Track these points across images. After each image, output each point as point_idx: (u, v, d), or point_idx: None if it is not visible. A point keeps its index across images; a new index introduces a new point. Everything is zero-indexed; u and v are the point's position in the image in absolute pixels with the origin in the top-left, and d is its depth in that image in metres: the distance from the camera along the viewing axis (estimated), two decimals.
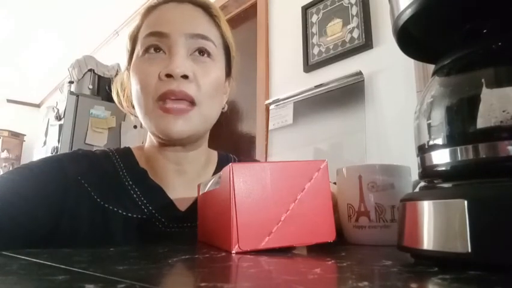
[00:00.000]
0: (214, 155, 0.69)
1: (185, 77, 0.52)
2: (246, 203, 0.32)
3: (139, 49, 0.56)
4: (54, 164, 0.54)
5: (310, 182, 0.35)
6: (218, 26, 0.60)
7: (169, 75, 0.52)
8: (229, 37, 0.62)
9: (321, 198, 0.35)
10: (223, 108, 0.64)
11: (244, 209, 0.32)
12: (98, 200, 0.54)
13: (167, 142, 0.57)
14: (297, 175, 0.35)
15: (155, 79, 0.53)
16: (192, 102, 0.53)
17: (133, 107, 0.60)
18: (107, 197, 0.53)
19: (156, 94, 0.52)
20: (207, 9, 0.59)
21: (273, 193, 0.34)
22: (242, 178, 0.33)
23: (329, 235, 0.35)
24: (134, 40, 0.59)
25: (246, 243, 0.32)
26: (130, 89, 0.60)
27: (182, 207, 0.58)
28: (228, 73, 0.63)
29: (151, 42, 0.54)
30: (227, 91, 0.65)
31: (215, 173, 0.65)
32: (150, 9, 0.58)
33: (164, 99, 0.52)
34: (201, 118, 0.55)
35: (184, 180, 0.60)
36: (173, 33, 0.54)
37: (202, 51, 0.56)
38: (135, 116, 0.60)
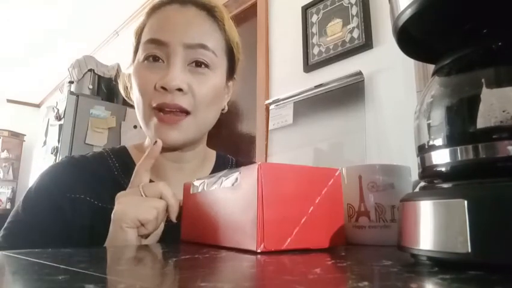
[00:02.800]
0: (212, 154, 0.71)
1: (179, 89, 0.54)
2: (273, 202, 0.33)
3: (140, 54, 0.57)
4: (44, 192, 0.57)
5: (326, 188, 0.36)
6: (222, 29, 0.59)
7: (164, 88, 0.53)
8: (234, 39, 0.62)
9: (335, 203, 0.36)
10: (222, 110, 0.65)
11: (271, 208, 0.32)
12: (96, 202, 0.55)
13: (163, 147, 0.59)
14: (316, 180, 0.36)
15: (151, 88, 0.55)
16: (187, 112, 0.55)
17: None
18: (104, 198, 0.54)
19: (152, 103, 0.55)
20: (211, 12, 0.58)
21: (296, 195, 0.34)
22: (270, 178, 0.33)
23: (340, 240, 0.36)
24: (138, 37, 0.60)
25: (271, 243, 0.32)
26: None
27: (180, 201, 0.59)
28: (231, 76, 0.64)
29: (150, 50, 0.56)
30: (229, 92, 0.66)
31: (213, 170, 0.67)
32: (154, 9, 0.59)
33: (159, 110, 0.54)
34: (195, 126, 0.57)
35: (182, 176, 0.62)
36: (172, 42, 0.54)
37: (199, 63, 0.56)
38: None
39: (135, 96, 0.58)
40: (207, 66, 0.56)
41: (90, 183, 0.57)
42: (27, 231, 0.54)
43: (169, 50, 0.55)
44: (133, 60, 0.61)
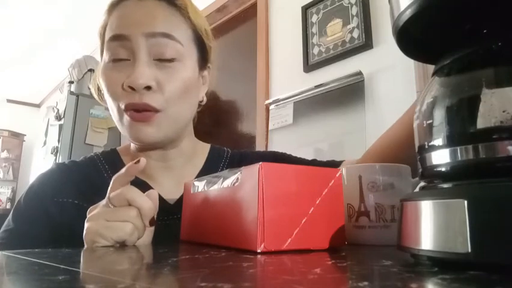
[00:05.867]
0: (204, 147, 0.69)
1: (148, 87, 0.52)
2: (273, 202, 0.33)
3: (105, 54, 0.55)
4: (33, 199, 0.57)
5: (327, 188, 0.36)
6: (186, 17, 0.57)
7: (131, 87, 0.51)
8: (201, 26, 0.59)
9: (336, 204, 0.36)
10: (201, 101, 0.63)
11: (272, 208, 0.32)
12: (85, 204, 0.54)
13: (142, 146, 0.58)
14: (317, 180, 0.36)
15: (120, 88, 0.53)
16: (156, 110, 0.53)
17: None
18: (93, 200, 0.53)
19: (122, 104, 0.53)
20: (172, 2, 0.56)
21: (296, 196, 0.34)
22: (271, 178, 0.33)
23: (340, 240, 0.36)
24: (102, 37, 0.58)
25: (271, 243, 0.32)
26: None
27: (171, 200, 0.59)
28: (204, 65, 0.61)
29: (114, 50, 0.54)
30: (206, 82, 0.64)
31: (205, 165, 0.65)
32: (113, 6, 0.57)
33: (130, 110, 0.52)
34: (168, 122, 0.55)
35: (171, 174, 0.62)
36: (134, 35, 0.52)
37: (166, 59, 0.54)
38: None
39: (106, 98, 0.57)
40: (173, 58, 0.54)
41: (79, 187, 0.58)
42: (18, 238, 0.54)
43: (132, 44, 0.52)
44: (101, 61, 0.59)
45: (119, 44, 0.53)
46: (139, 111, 0.52)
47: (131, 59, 0.53)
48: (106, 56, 0.55)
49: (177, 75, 0.54)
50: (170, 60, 0.54)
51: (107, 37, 0.55)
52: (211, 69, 0.64)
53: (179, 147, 0.61)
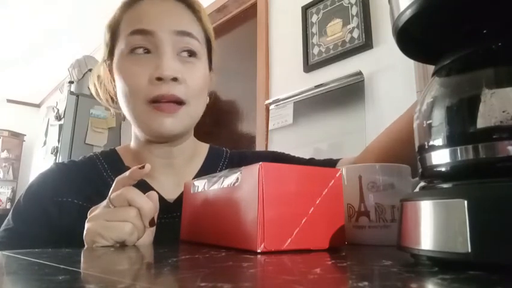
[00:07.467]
0: (203, 147, 0.70)
1: (174, 79, 0.53)
2: (273, 202, 0.33)
3: (123, 48, 0.56)
4: (32, 199, 0.57)
5: (327, 188, 0.36)
6: (200, 20, 0.60)
7: (159, 79, 0.53)
8: (210, 29, 0.63)
9: (336, 204, 0.36)
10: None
11: (272, 208, 0.32)
12: (85, 204, 0.55)
13: (156, 140, 0.59)
14: (317, 180, 0.36)
15: (144, 81, 0.53)
16: (181, 102, 0.55)
17: (112, 100, 0.62)
18: (93, 199, 0.52)
19: (147, 97, 0.54)
20: (189, 4, 0.59)
21: (296, 196, 0.34)
22: (271, 178, 0.33)
23: (340, 240, 0.36)
24: (113, 34, 0.59)
25: (271, 243, 0.32)
26: (108, 82, 0.62)
27: (170, 199, 0.59)
28: (210, 65, 0.64)
29: (137, 42, 0.54)
30: (210, 82, 0.66)
31: (204, 165, 0.66)
32: (130, 3, 0.58)
33: (156, 102, 0.54)
34: (189, 116, 0.57)
35: (172, 173, 0.62)
36: (159, 30, 0.54)
37: (189, 52, 0.56)
38: (114, 109, 0.63)
39: (122, 93, 0.56)
40: (194, 54, 0.57)
41: (78, 186, 0.58)
42: (17, 238, 0.54)
43: (156, 40, 0.54)
44: (107, 57, 0.60)
45: (141, 38, 0.54)
46: (166, 102, 0.54)
47: (154, 52, 0.55)
48: (124, 49, 0.55)
49: (197, 71, 0.57)
50: (192, 56, 0.57)
51: (126, 31, 0.56)
52: (213, 72, 0.66)
53: (182, 145, 0.62)
